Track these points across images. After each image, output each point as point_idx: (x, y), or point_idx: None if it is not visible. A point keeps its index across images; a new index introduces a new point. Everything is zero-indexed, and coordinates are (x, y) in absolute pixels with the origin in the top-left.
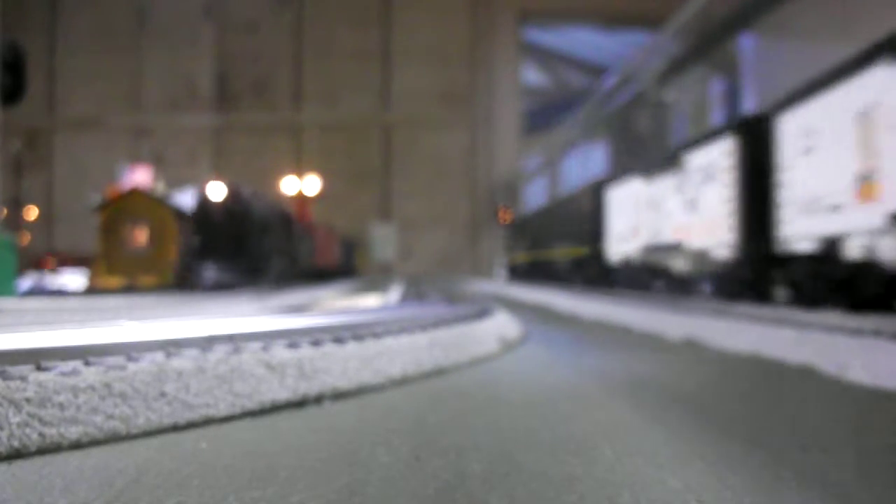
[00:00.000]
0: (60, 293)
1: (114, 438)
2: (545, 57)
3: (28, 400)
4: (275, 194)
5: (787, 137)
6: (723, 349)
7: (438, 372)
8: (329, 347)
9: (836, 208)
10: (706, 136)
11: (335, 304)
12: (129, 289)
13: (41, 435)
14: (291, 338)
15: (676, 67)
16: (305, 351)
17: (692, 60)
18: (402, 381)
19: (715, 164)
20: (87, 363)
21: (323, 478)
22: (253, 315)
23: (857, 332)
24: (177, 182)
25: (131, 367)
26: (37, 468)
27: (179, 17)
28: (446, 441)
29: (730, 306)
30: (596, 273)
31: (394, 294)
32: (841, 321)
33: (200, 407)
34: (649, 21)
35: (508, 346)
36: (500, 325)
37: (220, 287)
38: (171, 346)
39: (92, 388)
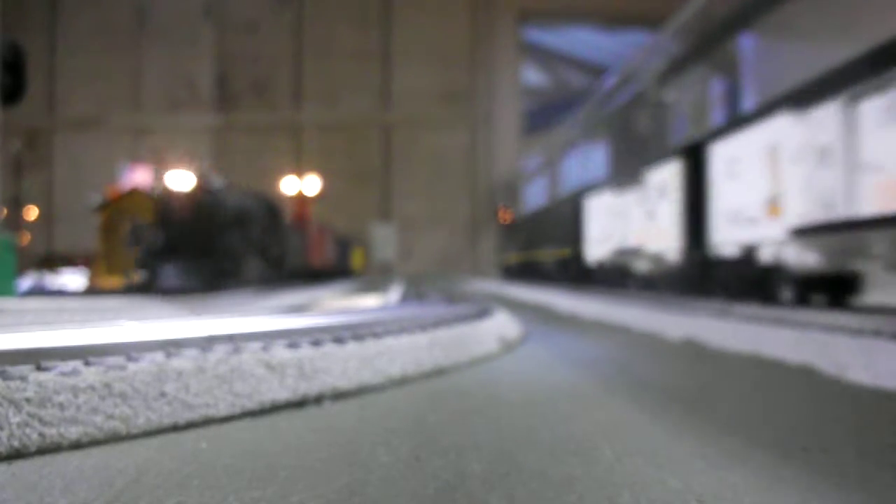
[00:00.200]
0: (60, 293)
1: (114, 438)
2: (545, 57)
3: (28, 400)
4: (274, 194)
5: (717, 163)
6: (722, 349)
7: (438, 372)
8: (329, 347)
9: (752, 222)
10: (661, 158)
11: (335, 305)
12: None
13: (41, 435)
14: (291, 338)
15: (676, 67)
16: (305, 351)
17: (692, 60)
18: (402, 381)
19: (666, 182)
20: (87, 363)
21: (323, 478)
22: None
23: (857, 332)
24: None
25: (131, 367)
26: (37, 468)
27: (179, 17)
28: (446, 441)
29: (729, 307)
30: (578, 272)
31: (394, 294)
32: (841, 321)
33: (200, 407)
34: (649, 21)
35: (508, 346)
36: (500, 325)
37: (183, 290)
38: (171, 346)
39: (92, 388)
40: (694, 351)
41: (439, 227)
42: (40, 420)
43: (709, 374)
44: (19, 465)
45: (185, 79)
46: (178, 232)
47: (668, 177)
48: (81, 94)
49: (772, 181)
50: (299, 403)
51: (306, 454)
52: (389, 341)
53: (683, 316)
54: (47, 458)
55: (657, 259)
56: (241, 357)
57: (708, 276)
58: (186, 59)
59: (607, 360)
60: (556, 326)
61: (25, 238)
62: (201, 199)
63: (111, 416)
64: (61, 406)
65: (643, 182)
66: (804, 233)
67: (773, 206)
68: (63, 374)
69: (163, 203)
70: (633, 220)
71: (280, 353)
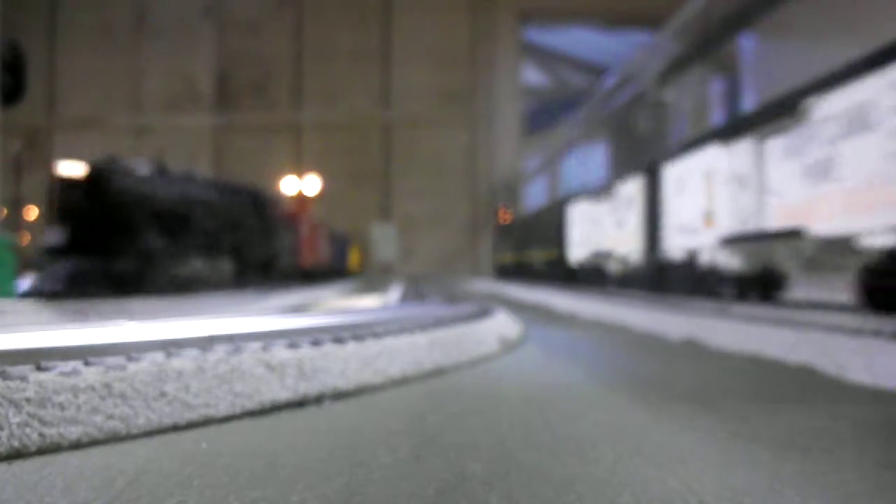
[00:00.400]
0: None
1: (114, 438)
2: (545, 57)
3: (28, 400)
4: (269, 189)
5: (668, 181)
6: (723, 349)
7: (438, 372)
8: (329, 347)
9: (694, 231)
10: (630, 173)
11: (334, 305)
12: None
13: (41, 435)
14: (291, 338)
15: (676, 67)
16: (305, 351)
17: (692, 60)
18: (402, 381)
19: (632, 195)
20: (87, 363)
21: (323, 478)
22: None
23: (857, 332)
24: None
25: (131, 367)
26: (37, 468)
27: (179, 17)
28: (446, 441)
29: (729, 307)
30: (563, 272)
31: (393, 294)
32: (841, 321)
33: (200, 407)
34: (649, 21)
35: (508, 346)
36: (500, 325)
37: (70, 295)
38: (171, 346)
39: (92, 388)
40: (694, 351)
41: (439, 228)
42: (40, 420)
43: (709, 374)
44: (19, 465)
45: (185, 79)
46: (73, 226)
47: (633, 190)
48: (81, 94)
49: (707, 199)
50: (299, 403)
51: (306, 454)
52: (389, 341)
53: (683, 316)
54: (47, 458)
55: (625, 261)
56: (241, 357)
57: (664, 276)
58: (186, 60)
59: (607, 360)
60: (553, 325)
61: (25, 238)
62: (106, 188)
63: (111, 416)
64: (61, 406)
65: (614, 193)
66: (729, 241)
67: (709, 219)
68: (63, 374)
69: (54, 193)
70: (605, 227)
71: (280, 353)
